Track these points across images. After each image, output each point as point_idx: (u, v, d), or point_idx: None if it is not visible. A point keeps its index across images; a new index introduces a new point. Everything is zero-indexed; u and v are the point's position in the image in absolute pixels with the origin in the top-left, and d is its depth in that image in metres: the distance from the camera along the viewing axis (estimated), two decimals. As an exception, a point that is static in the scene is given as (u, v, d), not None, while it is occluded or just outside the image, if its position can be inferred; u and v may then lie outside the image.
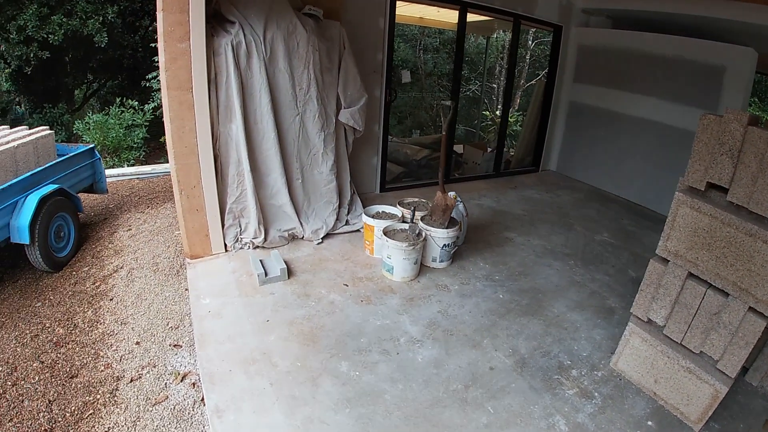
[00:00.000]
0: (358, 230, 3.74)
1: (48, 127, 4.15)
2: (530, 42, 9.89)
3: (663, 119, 4.84)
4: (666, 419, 2.12)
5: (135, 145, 7.79)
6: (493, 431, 1.96)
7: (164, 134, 3.16)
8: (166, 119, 2.98)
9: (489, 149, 6.10)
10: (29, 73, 11.18)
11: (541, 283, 3.23)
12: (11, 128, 4.03)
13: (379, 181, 4.78)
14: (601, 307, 3.00)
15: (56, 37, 8.82)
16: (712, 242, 1.93)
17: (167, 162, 4.74)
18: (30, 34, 8.76)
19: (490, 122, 9.48)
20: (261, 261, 3.05)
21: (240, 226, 3.38)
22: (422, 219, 3.31)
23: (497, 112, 9.23)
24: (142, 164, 7.35)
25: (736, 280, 1.86)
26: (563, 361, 2.44)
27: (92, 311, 3.07)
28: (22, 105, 12.74)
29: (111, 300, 3.20)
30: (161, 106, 5.75)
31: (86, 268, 3.63)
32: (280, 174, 3.39)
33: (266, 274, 2.92)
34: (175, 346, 2.71)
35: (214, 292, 2.87)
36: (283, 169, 3.40)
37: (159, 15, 2.82)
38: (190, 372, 2.50)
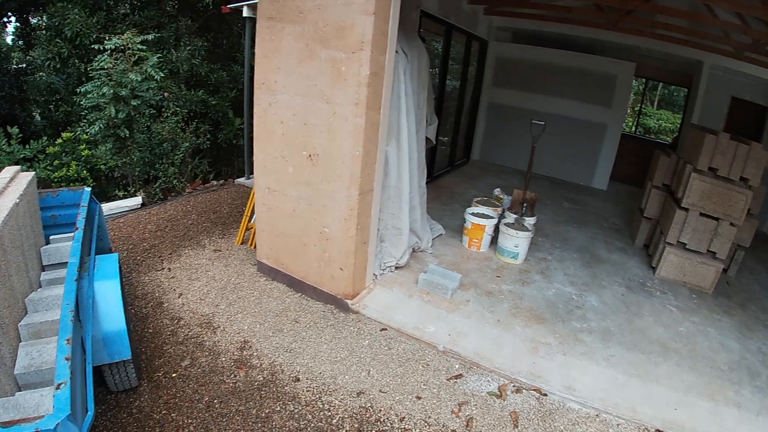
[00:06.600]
0: (440, 234, 4.43)
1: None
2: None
3: (568, 114, 6.92)
4: (695, 290, 4.00)
5: None
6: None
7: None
8: (355, 144, 2.64)
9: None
10: None
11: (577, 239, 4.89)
12: None
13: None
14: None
15: None
16: (711, 195, 3.78)
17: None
18: None
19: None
20: (424, 278, 3.38)
21: (381, 251, 3.52)
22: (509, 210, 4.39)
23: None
24: None
25: (723, 210, 3.77)
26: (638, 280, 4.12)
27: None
28: None
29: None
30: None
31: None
32: (417, 192, 3.65)
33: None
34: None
35: (422, 318, 2.97)
36: (418, 186, 3.66)
37: (365, 19, 2.38)
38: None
